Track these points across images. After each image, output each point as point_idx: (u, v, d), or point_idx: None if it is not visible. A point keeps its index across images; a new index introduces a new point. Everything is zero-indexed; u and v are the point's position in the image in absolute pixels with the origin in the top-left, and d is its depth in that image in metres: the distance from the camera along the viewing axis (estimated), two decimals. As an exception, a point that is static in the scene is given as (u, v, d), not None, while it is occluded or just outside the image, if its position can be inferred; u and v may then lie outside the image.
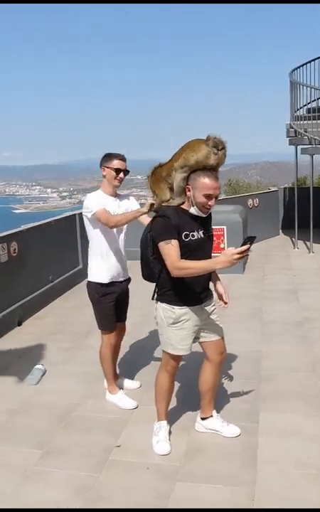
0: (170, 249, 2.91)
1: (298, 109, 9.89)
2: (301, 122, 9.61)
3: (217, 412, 3.51)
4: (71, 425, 3.62)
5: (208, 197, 2.92)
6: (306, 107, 10.06)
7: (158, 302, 3.16)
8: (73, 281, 7.60)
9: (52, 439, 3.43)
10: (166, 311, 3.11)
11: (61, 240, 7.41)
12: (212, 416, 3.44)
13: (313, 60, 9.68)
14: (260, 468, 3.03)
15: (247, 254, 2.79)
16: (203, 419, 3.45)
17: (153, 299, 3.18)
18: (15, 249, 5.96)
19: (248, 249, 2.76)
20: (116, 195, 3.82)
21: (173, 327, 3.11)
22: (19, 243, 6.04)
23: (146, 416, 3.64)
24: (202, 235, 3.06)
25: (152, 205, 3.20)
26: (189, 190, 2.95)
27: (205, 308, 3.20)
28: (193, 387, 3.89)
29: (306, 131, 9.20)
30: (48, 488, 2.92)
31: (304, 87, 9.69)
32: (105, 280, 3.77)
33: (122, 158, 3.72)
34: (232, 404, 3.81)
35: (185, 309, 3.10)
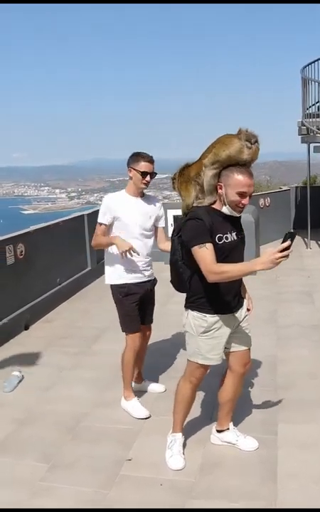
0: (204, 253, 2.68)
1: (310, 107, 9.68)
2: (313, 120, 9.40)
3: (233, 422, 3.32)
4: (80, 436, 3.45)
5: (242, 195, 2.71)
6: (318, 104, 9.85)
7: (189, 310, 2.96)
8: (82, 284, 7.45)
9: (60, 451, 3.26)
10: (197, 319, 2.91)
11: (69, 241, 7.26)
12: (228, 429, 3.26)
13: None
14: (280, 484, 2.85)
15: (288, 255, 2.51)
16: (219, 431, 3.27)
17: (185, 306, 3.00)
18: (22, 251, 5.81)
19: (290, 246, 2.50)
20: (141, 195, 3.69)
21: (204, 336, 2.92)
22: (26, 245, 5.89)
23: (158, 427, 3.46)
24: (235, 237, 2.86)
25: (129, 250, 3.43)
26: (221, 188, 2.74)
27: (236, 315, 3.01)
28: (209, 396, 3.74)
29: (318, 129, 8.99)
30: (55, 506, 2.75)
31: (316, 84, 9.48)
32: (125, 281, 3.67)
33: (150, 160, 3.57)
34: (249, 414, 3.62)
35: (217, 317, 2.90)
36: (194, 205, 2.81)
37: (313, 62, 9.42)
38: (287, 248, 2.49)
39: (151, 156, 3.57)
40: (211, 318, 2.89)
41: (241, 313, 3.04)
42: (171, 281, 3.01)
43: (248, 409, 3.67)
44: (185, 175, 2.83)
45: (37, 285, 6.18)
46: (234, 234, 2.86)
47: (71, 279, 7.17)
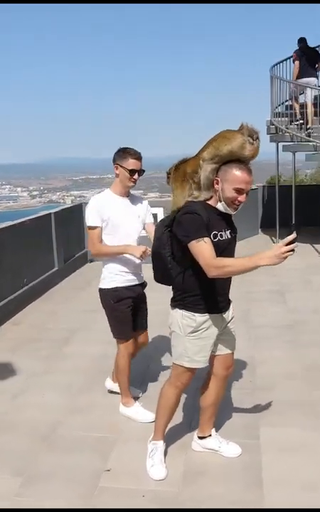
0: (202, 247, 2.53)
1: (278, 106, 9.70)
2: (282, 119, 9.42)
3: (214, 427, 3.21)
4: (54, 446, 3.28)
5: (239, 191, 2.59)
6: (286, 103, 9.89)
7: (176, 309, 2.81)
8: (49, 284, 7.26)
9: (34, 463, 3.08)
10: (186, 318, 2.77)
11: (36, 241, 7.04)
12: (210, 435, 3.15)
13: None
14: (266, 490, 2.76)
15: (294, 249, 2.37)
16: (200, 438, 3.16)
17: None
18: (-13, 251, 5.58)
19: (296, 239, 2.35)
20: (127, 195, 3.51)
21: (192, 336, 2.78)
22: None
23: (136, 434, 3.34)
24: (229, 236, 2.74)
25: (144, 253, 3.23)
26: (217, 183, 2.61)
27: (224, 316, 2.89)
28: (189, 401, 3.62)
29: (287, 128, 9.01)
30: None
31: (285, 83, 9.50)
32: (117, 285, 3.49)
33: (138, 157, 3.38)
34: (229, 418, 3.52)
35: (206, 317, 2.77)
36: (189, 199, 2.66)
37: (283, 61, 9.43)
38: (293, 241, 2.35)
39: (139, 153, 3.39)
40: (200, 318, 2.76)
41: (228, 314, 2.93)
42: (154, 273, 2.88)
43: (228, 413, 3.58)
44: (180, 170, 2.69)
45: (2, 286, 5.95)
46: (228, 232, 2.74)
47: (38, 280, 6.96)
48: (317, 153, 8.88)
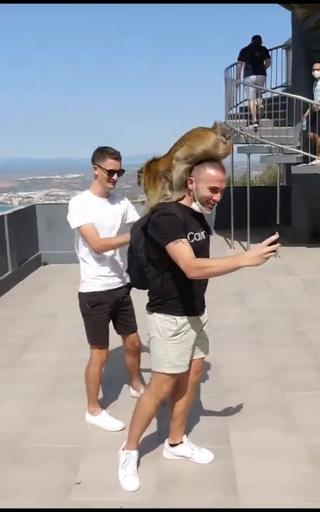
0: (181, 248, 2.45)
1: (232, 107, 9.76)
2: (237, 121, 9.49)
3: (184, 433, 3.15)
4: (20, 459, 3.12)
5: (214, 190, 2.54)
6: (238, 106, 9.97)
7: (154, 313, 2.72)
8: (2, 289, 7.02)
9: (-1, 478, 2.93)
10: (165, 321, 2.69)
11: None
12: (182, 442, 3.08)
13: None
14: (243, 496, 2.71)
15: (276, 250, 2.33)
16: (172, 445, 3.08)
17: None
18: None
19: (278, 239, 2.32)
20: (107, 196, 3.39)
21: (173, 340, 2.70)
22: None
23: (104, 443, 3.24)
24: (204, 237, 2.69)
25: None
26: (191, 183, 2.56)
27: (200, 318, 2.83)
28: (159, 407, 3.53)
29: (242, 130, 9.07)
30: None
31: (239, 86, 9.57)
32: (94, 289, 3.36)
33: (117, 157, 3.26)
34: (198, 423, 3.46)
35: (185, 319, 2.70)
36: (161, 201, 2.59)
37: (236, 64, 9.50)
38: (276, 242, 2.31)
39: (118, 152, 3.28)
40: (181, 320, 2.69)
41: (204, 317, 2.88)
42: (130, 277, 2.80)
43: (197, 418, 3.51)
44: (152, 169, 2.62)
45: None
46: (202, 233, 2.70)
47: (-9, 284, 6.72)
48: (271, 155, 8.98)
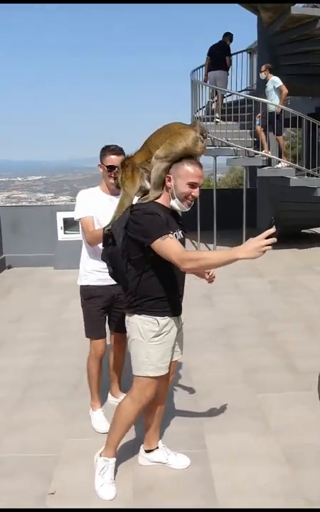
0: (170, 243, 2.41)
1: (198, 110, 9.79)
2: (204, 124, 9.51)
3: (159, 438, 3.10)
4: (-10, 470, 3.02)
5: (193, 186, 2.54)
6: (204, 108, 10.01)
7: (134, 315, 2.67)
8: None
9: (-32, 491, 2.82)
10: (147, 322, 2.64)
11: None
12: (157, 448, 3.03)
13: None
14: (222, 502, 2.68)
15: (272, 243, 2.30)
16: (147, 451, 3.03)
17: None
18: None
19: (275, 233, 2.27)
20: (115, 193, 3.38)
21: (154, 341, 2.65)
22: None
23: (77, 450, 3.16)
24: (181, 236, 2.68)
25: None
26: (170, 180, 2.56)
27: (179, 319, 2.81)
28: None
29: (208, 133, 9.10)
30: None
31: (204, 89, 9.62)
32: (89, 282, 3.41)
33: (117, 153, 3.29)
34: (172, 428, 3.42)
35: (167, 319, 2.67)
36: (139, 201, 2.59)
37: (203, 66, 9.53)
38: (272, 235, 2.27)
39: (120, 148, 3.32)
40: (162, 321, 2.66)
41: (181, 318, 2.85)
42: (112, 272, 2.77)
43: (172, 422, 3.48)
44: (129, 164, 2.62)
45: None
46: (180, 232, 2.68)
47: None
48: (237, 158, 9.04)
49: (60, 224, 8.45)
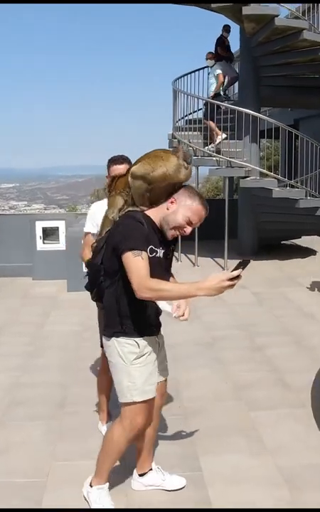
0: (140, 264, 2.31)
1: (179, 119, 9.74)
2: (185, 133, 9.46)
3: (152, 460, 2.95)
4: (-27, 498, 2.83)
5: (189, 223, 2.44)
6: (185, 118, 9.97)
7: (112, 338, 2.52)
8: None
9: None
10: (126, 345, 2.50)
11: None
12: (151, 469, 2.88)
13: (197, 70, 9.66)
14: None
15: (235, 284, 2.28)
16: (141, 475, 2.87)
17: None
18: None
19: (239, 276, 2.25)
20: None
21: (137, 364, 2.50)
22: None
23: (66, 475, 2.99)
24: (161, 255, 2.52)
25: None
26: (173, 203, 2.45)
27: (157, 339, 2.67)
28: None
29: (190, 142, 9.05)
30: None
31: (186, 98, 9.58)
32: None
33: (120, 162, 3.28)
34: (166, 448, 3.27)
35: (146, 340, 2.54)
36: (129, 209, 2.47)
37: (185, 75, 9.52)
38: (237, 277, 2.24)
39: (122, 157, 3.31)
40: (141, 342, 2.52)
41: (160, 337, 2.72)
42: (90, 288, 2.65)
43: (164, 443, 3.32)
44: (115, 186, 2.56)
45: None
46: (162, 252, 2.52)
47: None
48: (220, 168, 8.99)
49: (39, 233, 8.25)
